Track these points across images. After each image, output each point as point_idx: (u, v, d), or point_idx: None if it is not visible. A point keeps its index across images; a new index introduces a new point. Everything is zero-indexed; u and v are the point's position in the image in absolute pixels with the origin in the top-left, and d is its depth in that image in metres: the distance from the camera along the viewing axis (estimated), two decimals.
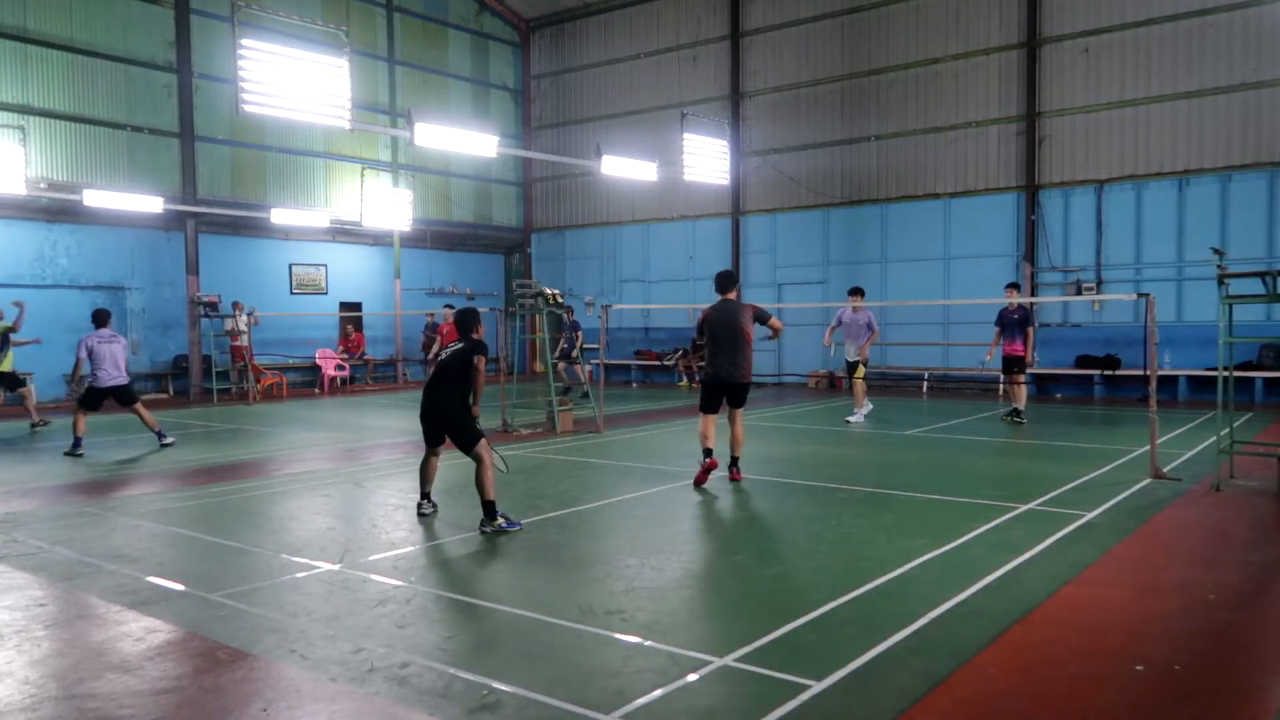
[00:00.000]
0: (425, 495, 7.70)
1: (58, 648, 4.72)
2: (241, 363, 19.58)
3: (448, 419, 7.33)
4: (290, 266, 22.26)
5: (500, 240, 26.97)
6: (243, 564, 6.25)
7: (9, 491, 9.00)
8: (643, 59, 24.27)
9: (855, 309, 14.09)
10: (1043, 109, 18.67)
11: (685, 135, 18.27)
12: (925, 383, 19.53)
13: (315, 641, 4.70)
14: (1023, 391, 13.73)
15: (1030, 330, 13.63)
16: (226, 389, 19.52)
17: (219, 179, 20.53)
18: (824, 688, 4.02)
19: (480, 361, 7.26)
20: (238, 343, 19.52)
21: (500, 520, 7.02)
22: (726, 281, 9.23)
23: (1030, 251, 18.77)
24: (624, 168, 17.69)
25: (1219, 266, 8.41)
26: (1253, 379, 16.08)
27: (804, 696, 3.93)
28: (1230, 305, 8.47)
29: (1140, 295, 9.47)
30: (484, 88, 26.08)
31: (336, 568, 6.08)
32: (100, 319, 12.07)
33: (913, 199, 20.23)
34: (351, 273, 23.57)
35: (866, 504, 7.96)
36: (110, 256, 19.13)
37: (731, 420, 9.15)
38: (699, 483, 8.76)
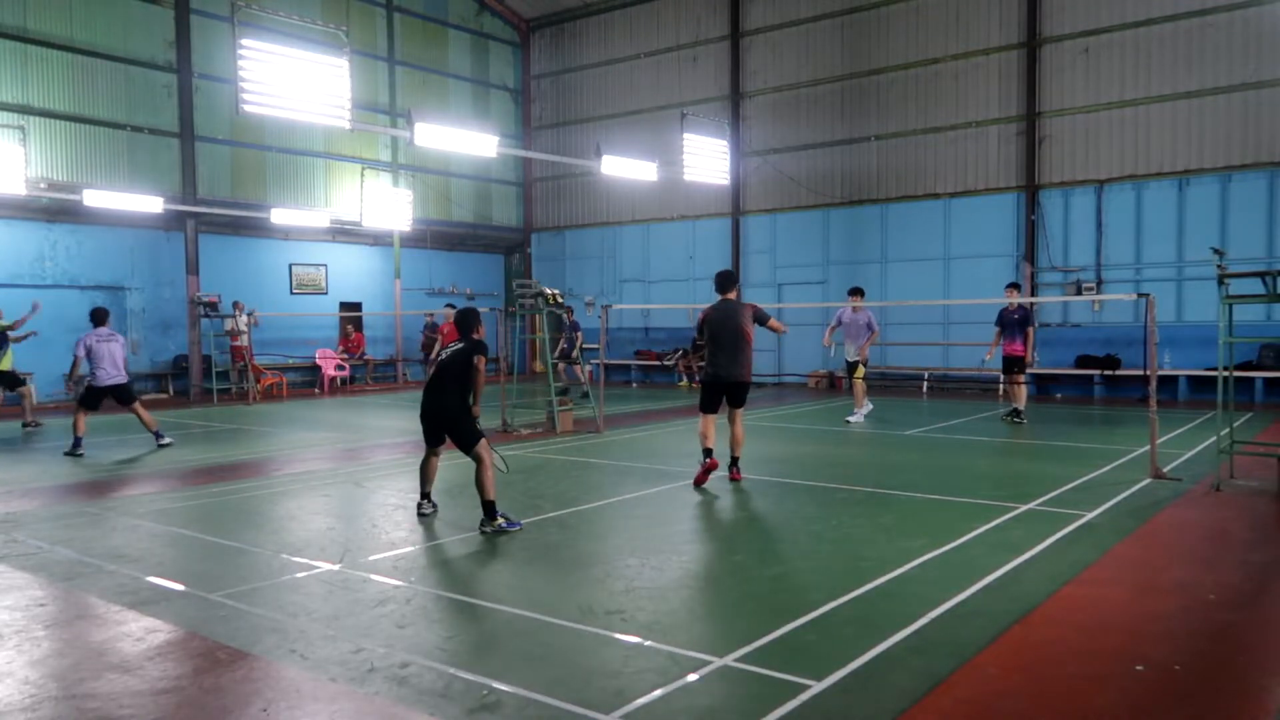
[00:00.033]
0: (425, 495, 7.70)
1: (58, 648, 4.72)
2: (241, 363, 19.58)
3: (448, 419, 7.33)
4: (290, 266, 22.26)
5: (500, 240, 26.97)
6: (243, 564, 6.25)
7: (9, 491, 9.00)
8: (643, 59, 24.27)
9: (855, 309, 14.09)
10: (1043, 109, 18.67)
11: (685, 135, 18.27)
12: (925, 383, 19.53)
13: (315, 641, 4.70)
14: (1023, 391, 13.74)
15: (1030, 330, 13.62)
16: (226, 389, 19.52)
17: (219, 179, 20.53)
18: (824, 688, 4.02)
19: (480, 361, 7.26)
20: (238, 343, 19.52)
21: (500, 520, 7.02)
22: (726, 281, 9.24)
23: (1030, 251, 18.77)
24: (624, 168, 17.69)
25: (1219, 266, 8.41)
26: (1253, 379, 16.08)
27: (804, 696, 3.93)
28: (1230, 305, 8.47)
29: (1140, 295, 9.47)
30: (484, 88, 26.08)
31: (336, 568, 6.08)
32: (98, 318, 12.04)
33: (913, 199, 20.23)
34: (351, 273, 23.57)
35: (866, 504, 7.96)
36: (110, 256, 19.14)
37: (731, 420, 9.15)
38: (699, 483, 8.76)
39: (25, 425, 13.71)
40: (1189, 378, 16.93)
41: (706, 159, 18.93)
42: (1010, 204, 19.09)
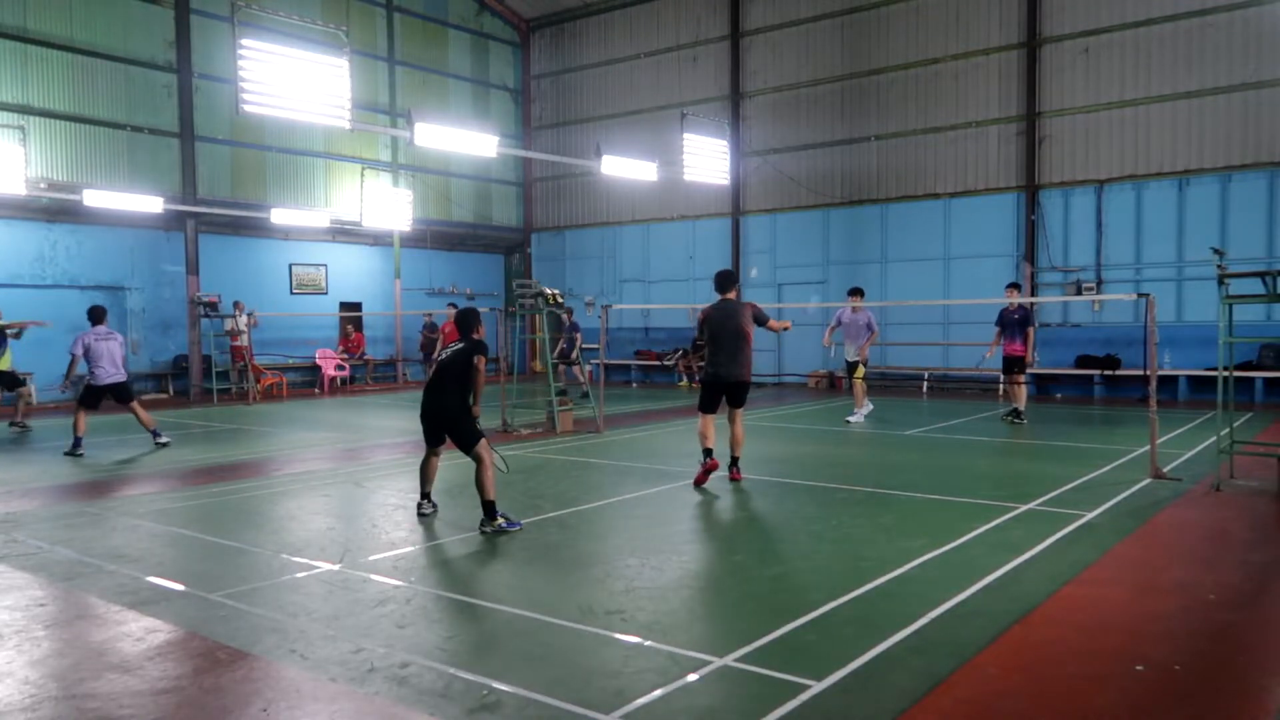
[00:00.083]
0: (425, 495, 7.70)
1: (58, 648, 4.72)
2: (241, 363, 19.58)
3: (448, 419, 7.33)
4: (290, 266, 22.26)
5: (500, 240, 26.97)
6: (243, 564, 6.25)
7: (9, 491, 8.99)
8: (643, 59, 24.27)
9: (855, 309, 14.09)
10: (1043, 109, 18.67)
11: (685, 135, 18.27)
12: (925, 383, 19.53)
13: (315, 641, 4.70)
14: (1023, 391, 13.73)
15: (1030, 330, 13.62)
16: (226, 389, 19.52)
17: (219, 179, 20.53)
18: (824, 688, 4.02)
19: (480, 361, 7.26)
20: (238, 343, 19.52)
21: (500, 520, 7.02)
22: (726, 281, 9.23)
23: (1030, 251, 18.77)
24: (624, 168, 17.69)
25: (1219, 266, 8.41)
26: (1253, 379, 16.08)
27: (804, 696, 3.93)
28: (1230, 305, 8.47)
29: (1140, 295, 9.47)
30: (484, 88, 26.08)
31: (336, 568, 6.08)
32: (96, 316, 11.99)
33: (913, 199, 20.23)
34: (351, 273, 23.57)
35: (866, 504, 7.96)
36: (110, 256, 19.13)
37: (731, 420, 9.15)
38: (699, 483, 8.76)
39: (13, 424, 13.67)
40: (1189, 378, 16.93)
41: (706, 159, 18.93)
42: (1010, 204, 19.09)
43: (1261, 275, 8.15)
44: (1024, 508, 7.62)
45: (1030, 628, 4.79)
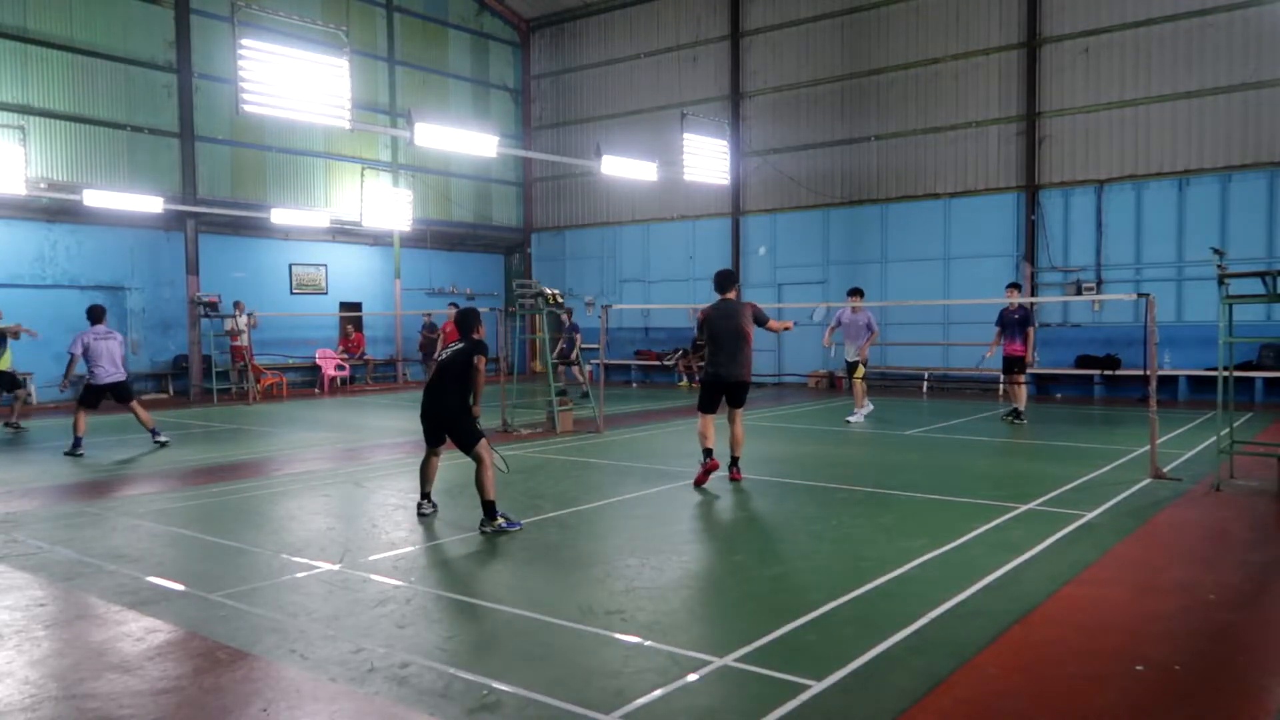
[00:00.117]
0: (425, 495, 7.70)
1: (58, 648, 4.72)
2: (241, 363, 19.58)
3: (448, 419, 7.33)
4: (290, 266, 22.26)
5: (500, 240, 26.97)
6: (243, 564, 6.25)
7: (9, 491, 9.00)
8: (643, 59, 24.27)
9: (854, 309, 14.09)
10: (1043, 109, 18.67)
11: (685, 135, 18.27)
12: (925, 383, 19.53)
13: (315, 641, 4.70)
14: (1023, 392, 13.73)
15: (1030, 330, 13.62)
16: (226, 389, 19.52)
17: (219, 179, 20.53)
18: (824, 688, 4.02)
19: (480, 361, 7.26)
20: (238, 343, 19.52)
21: (500, 520, 7.02)
22: (726, 281, 9.23)
23: (1030, 251, 18.77)
24: (624, 168, 17.69)
25: (1219, 266, 8.41)
26: (1253, 379, 16.08)
27: (804, 696, 3.93)
28: (1230, 305, 8.47)
29: (1140, 295, 9.47)
30: (484, 88, 26.08)
31: (336, 568, 6.08)
32: (96, 315, 11.97)
33: (913, 199, 20.23)
34: (351, 273, 23.57)
35: (866, 504, 7.96)
36: (110, 256, 19.13)
37: (731, 420, 9.15)
38: (699, 483, 8.76)
39: (8, 425, 13.67)
40: (1189, 378, 16.93)
41: (706, 159, 18.93)
42: (1010, 204, 19.09)
43: (1261, 275, 8.15)
44: (1024, 508, 7.62)
45: (1030, 628, 4.79)
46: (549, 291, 13.23)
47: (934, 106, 19.85)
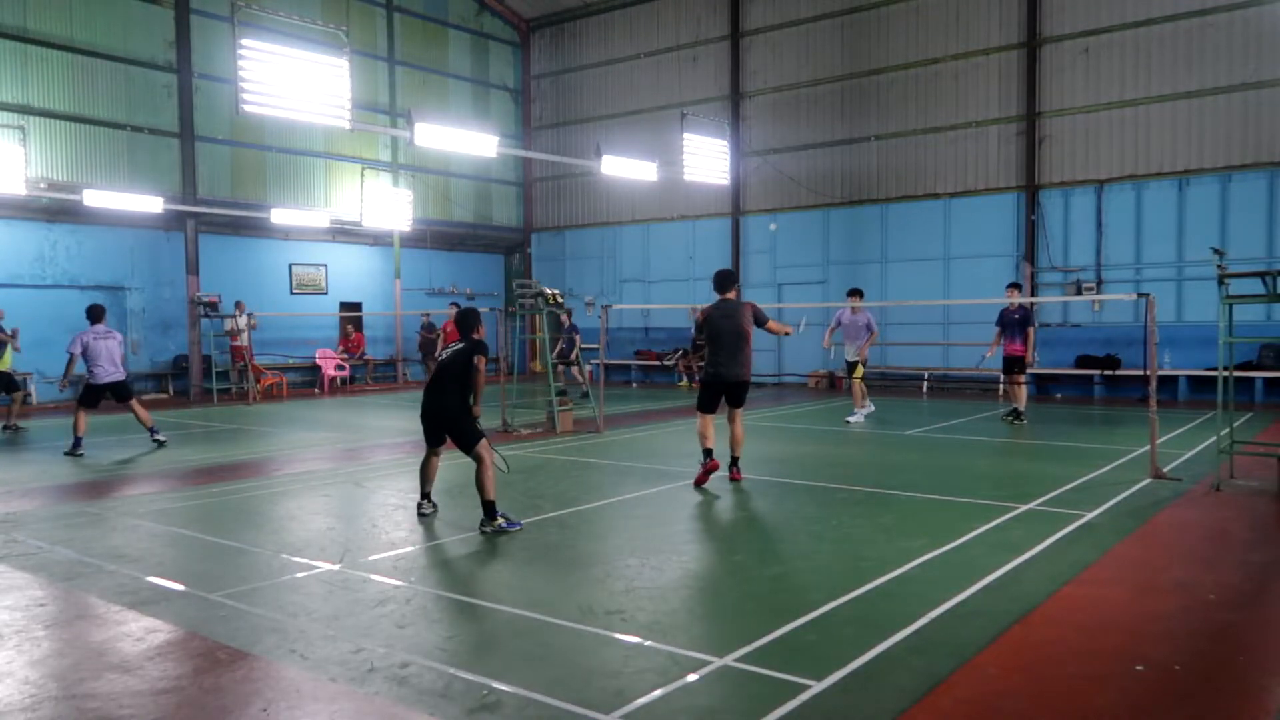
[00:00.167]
0: (425, 495, 7.70)
1: (58, 648, 4.72)
2: (241, 363, 19.58)
3: (448, 419, 7.33)
4: (290, 266, 22.26)
5: (500, 240, 26.97)
6: (243, 564, 6.25)
7: (9, 491, 9.00)
8: (643, 59, 24.27)
9: (854, 310, 14.09)
10: (1043, 109, 18.67)
11: (685, 135, 18.27)
12: (925, 383, 19.53)
13: (315, 641, 4.70)
14: (1023, 392, 13.73)
15: (1031, 330, 13.62)
16: (226, 389, 19.52)
17: (219, 179, 20.53)
18: (824, 688, 4.02)
19: (480, 361, 7.26)
20: (238, 343, 19.52)
21: (500, 520, 7.02)
22: (725, 280, 9.23)
23: (1030, 251, 18.77)
24: (624, 168, 17.69)
25: (1219, 266, 8.41)
26: (1253, 379, 16.08)
27: (804, 696, 3.93)
28: (1230, 305, 8.46)
29: (1140, 295, 9.47)
30: (484, 88, 26.08)
31: (336, 568, 6.08)
32: (95, 314, 11.97)
33: (913, 199, 20.23)
34: (351, 273, 23.57)
35: (866, 504, 7.96)
36: (110, 256, 19.13)
37: (731, 420, 9.15)
38: (699, 483, 8.76)
39: (6, 427, 13.67)
40: (1189, 378, 16.93)
41: (706, 159, 18.93)
42: (1010, 204, 19.09)
43: (1261, 275, 8.15)
44: (1024, 508, 7.62)
45: (1030, 628, 4.79)
46: (549, 291, 13.23)
47: (934, 106, 19.85)
